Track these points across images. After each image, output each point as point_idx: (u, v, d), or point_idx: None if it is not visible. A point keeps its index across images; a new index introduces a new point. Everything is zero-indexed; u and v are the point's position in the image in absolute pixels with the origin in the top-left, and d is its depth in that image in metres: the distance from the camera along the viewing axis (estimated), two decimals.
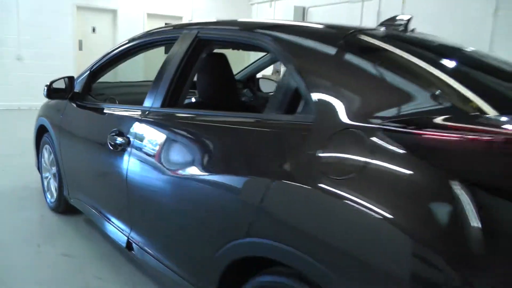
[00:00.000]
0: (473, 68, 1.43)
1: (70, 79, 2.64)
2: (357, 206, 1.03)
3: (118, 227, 2.16)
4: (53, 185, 3.13)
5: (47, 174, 3.23)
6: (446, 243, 0.92)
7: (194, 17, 11.20)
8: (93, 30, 9.73)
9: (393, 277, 0.97)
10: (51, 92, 2.59)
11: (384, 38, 1.46)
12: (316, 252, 1.11)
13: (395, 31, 1.61)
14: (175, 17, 10.97)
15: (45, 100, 3.24)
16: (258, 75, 3.58)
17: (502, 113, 1.01)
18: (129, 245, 2.07)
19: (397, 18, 1.68)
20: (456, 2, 5.68)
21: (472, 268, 0.89)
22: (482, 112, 1.02)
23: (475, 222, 0.89)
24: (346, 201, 1.06)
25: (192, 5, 11.06)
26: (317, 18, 8.08)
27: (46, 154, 3.20)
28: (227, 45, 2.26)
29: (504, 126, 0.96)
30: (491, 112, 1.02)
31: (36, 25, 8.48)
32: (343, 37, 1.41)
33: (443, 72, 1.20)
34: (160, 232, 1.87)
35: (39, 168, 3.40)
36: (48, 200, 3.25)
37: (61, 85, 2.62)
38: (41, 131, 3.22)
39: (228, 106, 1.91)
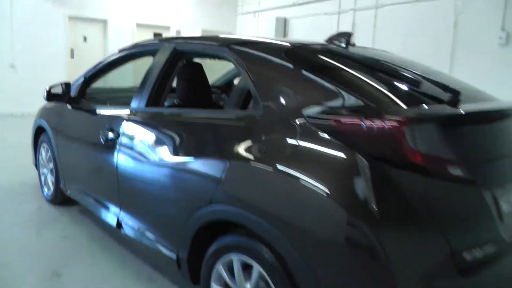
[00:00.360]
0: (382, 74, 1.83)
1: (67, 85, 3.04)
2: (290, 177, 1.45)
3: (110, 209, 2.56)
4: (50, 179, 3.50)
5: (44, 170, 3.60)
6: (354, 201, 1.30)
7: (181, 27, 11.64)
8: (84, 39, 10.10)
9: (318, 229, 1.37)
10: (50, 96, 2.99)
11: (319, 51, 1.90)
12: (262, 214, 1.51)
13: (332, 45, 2.06)
14: (163, 27, 11.40)
15: (40, 105, 3.64)
16: (235, 81, 4.01)
17: (394, 108, 1.40)
18: (119, 224, 2.47)
19: (341, 34, 2.13)
20: (422, 16, 6.15)
21: (376, 221, 1.25)
22: (381, 107, 1.42)
23: (376, 186, 1.28)
24: (282, 173, 1.48)
25: (179, 16, 11.48)
26: (298, 29, 8.57)
27: (43, 152, 3.58)
28: (198, 56, 2.65)
29: (390, 117, 1.34)
30: (388, 106, 1.42)
31: (29, 35, 8.84)
32: (284, 50, 1.85)
33: (358, 77, 1.64)
34: (144, 210, 2.28)
35: (37, 165, 3.77)
36: (45, 193, 3.62)
37: (58, 90, 3.01)
38: (38, 132, 3.60)
39: (201, 106, 2.33)
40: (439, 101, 1.47)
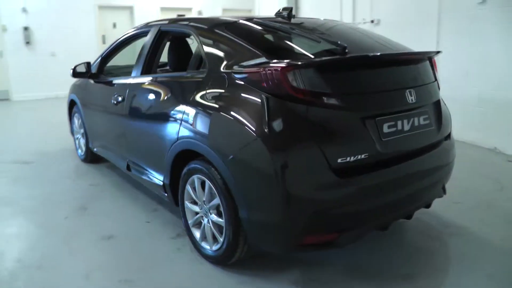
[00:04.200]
0: (293, 37, 2.32)
1: (88, 64, 3.79)
2: (221, 115, 2.07)
3: (121, 156, 3.32)
4: (82, 142, 4.33)
5: (78, 136, 4.44)
6: (258, 128, 1.85)
7: (203, 8, 12.25)
8: (114, 25, 10.99)
9: (238, 150, 1.95)
10: (75, 73, 3.74)
11: (252, 23, 2.47)
12: (206, 142, 2.14)
13: (278, 17, 2.63)
14: (185, 8, 12.06)
15: (73, 81, 4.44)
16: None
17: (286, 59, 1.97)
18: (128, 167, 3.21)
19: (284, 8, 2.69)
20: None
21: (270, 141, 1.81)
22: (277, 60, 1.99)
23: (271, 116, 1.84)
24: (217, 113, 2.10)
25: None
26: (308, 3, 8.87)
27: (76, 121, 4.41)
28: (175, 34, 3.12)
29: (276, 65, 1.89)
30: (283, 59, 1.98)
31: (65, 25, 9.83)
32: (226, 24, 2.44)
33: (271, 41, 2.23)
34: (141, 153, 3.00)
35: (72, 132, 4.63)
36: (79, 154, 4.48)
37: (81, 68, 3.76)
38: (72, 104, 4.43)
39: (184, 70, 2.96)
40: (332, 52, 2.04)
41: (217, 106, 2.12)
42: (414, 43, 5.66)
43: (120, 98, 3.14)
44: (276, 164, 1.82)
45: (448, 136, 2.50)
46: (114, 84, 3.41)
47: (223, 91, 2.14)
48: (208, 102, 2.19)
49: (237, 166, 1.97)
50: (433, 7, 5.39)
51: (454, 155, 2.56)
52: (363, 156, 1.89)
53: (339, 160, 1.84)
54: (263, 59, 2.03)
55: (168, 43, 3.09)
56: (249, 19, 2.54)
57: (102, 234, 2.77)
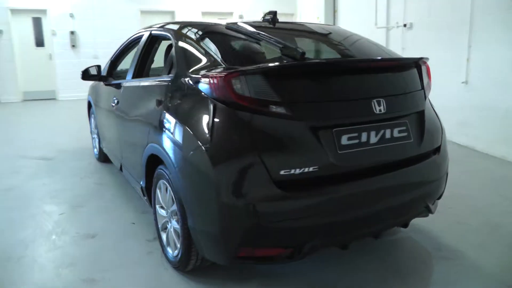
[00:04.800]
0: (258, 42, 2.22)
1: (98, 67, 3.93)
2: (178, 121, 2.02)
3: (117, 156, 3.41)
4: (97, 142, 4.51)
5: (94, 135, 4.63)
6: (201, 133, 1.83)
7: (244, 12, 12.36)
8: None
9: (187, 154, 1.92)
10: (84, 76, 3.90)
11: (220, 28, 2.42)
12: (165, 149, 2.11)
13: (263, 21, 2.58)
14: (226, 13, 12.23)
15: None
16: None
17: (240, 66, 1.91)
18: (121, 167, 3.29)
19: (269, 12, 2.63)
20: None
21: (211, 147, 1.77)
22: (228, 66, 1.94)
23: (215, 122, 1.80)
24: (175, 119, 2.05)
25: (241, 2, 12.17)
26: (346, 7, 8.63)
27: (92, 121, 4.60)
28: (161, 38, 3.08)
29: (219, 73, 1.84)
30: (235, 65, 1.93)
31: (107, 29, 10.35)
32: (197, 30, 2.40)
33: (230, 47, 2.17)
34: (127, 155, 3.06)
35: (91, 132, 4.84)
36: (95, 153, 4.67)
37: (92, 71, 3.91)
38: (89, 105, 4.63)
39: None
40: (292, 57, 1.94)
41: (174, 112, 2.11)
42: (445, 48, 5.34)
43: (116, 101, 3.22)
44: (215, 173, 1.76)
45: (437, 151, 2.28)
46: (114, 87, 3.51)
47: (181, 97, 2.13)
48: (168, 107, 2.18)
49: (184, 173, 1.93)
50: (465, 10, 5.03)
51: (443, 172, 2.34)
52: (311, 169, 1.77)
53: (281, 172, 1.73)
54: (219, 66, 1.99)
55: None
56: (213, 26, 2.48)
57: (87, 232, 2.85)
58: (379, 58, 2.27)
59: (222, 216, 1.75)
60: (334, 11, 8.87)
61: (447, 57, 5.34)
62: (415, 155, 2.12)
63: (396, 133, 2.02)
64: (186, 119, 1.98)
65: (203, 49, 2.20)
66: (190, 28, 2.49)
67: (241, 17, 12.44)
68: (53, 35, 9.95)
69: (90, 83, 4.56)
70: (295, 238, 1.81)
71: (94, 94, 4.29)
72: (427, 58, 2.29)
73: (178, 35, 2.49)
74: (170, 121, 2.11)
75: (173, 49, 2.43)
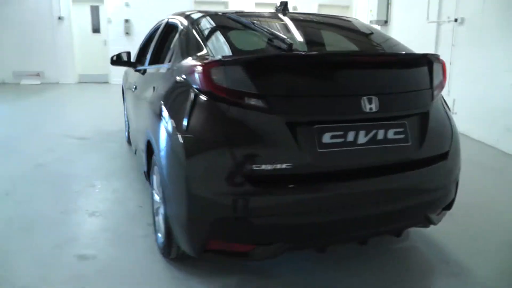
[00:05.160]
0: (252, 33, 2.17)
1: (128, 53, 4.05)
2: (165, 108, 2.01)
3: (133, 140, 3.51)
4: (127, 125, 4.69)
5: (126, 118, 4.82)
6: (179, 119, 1.81)
7: (298, 3, 12.14)
8: None
9: (168, 141, 1.92)
10: (113, 61, 4.03)
11: (215, 19, 2.36)
12: (153, 136, 2.13)
13: (276, 12, 2.51)
14: (270, 4, 12.11)
15: None
16: None
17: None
18: (135, 151, 3.38)
19: (281, 3, 2.55)
20: None
21: (185, 134, 1.74)
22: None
23: (193, 111, 1.77)
24: (163, 107, 2.03)
25: None
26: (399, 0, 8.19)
27: (124, 106, 4.79)
28: (174, 26, 3.01)
29: (199, 63, 1.82)
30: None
31: (161, 18, 10.64)
32: (196, 19, 2.37)
33: (220, 36, 2.11)
34: (135, 138, 3.11)
35: (124, 115, 5.04)
36: (126, 136, 4.86)
37: (121, 57, 4.04)
38: (122, 90, 4.82)
39: None
40: (280, 49, 1.86)
41: (163, 100, 2.11)
42: (497, 46, 4.87)
43: (134, 87, 3.31)
44: (187, 163, 1.74)
45: (443, 157, 2.08)
46: (136, 73, 3.61)
47: (170, 85, 2.12)
48: (160, 95, 2.18)
49: (164, 160, 1.93)
50: None
51: (451, 180, 2.13)
52: (284, 166, 1.68)
53: (253, 167, 1.66)
54: (207, 56, 1.95)
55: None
56: (234, 13, 2.44)
57: (95, 210, 2.97)
58: (374, 53, 2.10)
59: (191, 207, 1.73)
60: (388, 4, 8.44)
61: (499, 56, 4.87)
62: (412, 159, 1.94)
63: (390, 135, 1.86)
64: (171, 107, 1.97)
65: (198, 38, 2.18)
66: (193, 17, 2.47)
67: (294, 8, 12.24)
68: (108, 22, 10.47)
69: None
70: (266, 236, 1.74)
71: (125, 80, 4.45)
72: (437, 55, 2.08)
73: (182, 23, 2.49)
74: (159, 108, 2.12)
75: (176, 37, 2.44)
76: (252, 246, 1.75)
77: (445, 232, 2.67)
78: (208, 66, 1.74)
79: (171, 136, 1.87)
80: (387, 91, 1.90)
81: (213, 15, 2.42)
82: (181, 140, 1.78)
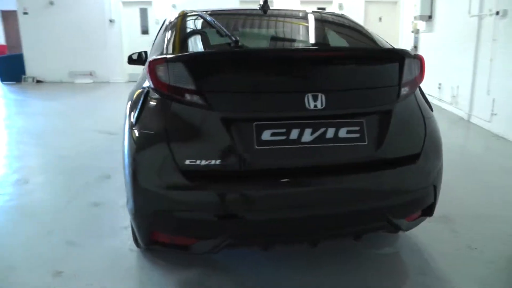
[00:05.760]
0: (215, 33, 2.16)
1: (145, 52, 4.23)
2: (128, 102, 2.12)
3: None
4: None
5: None
6: (132, 114, 1.89)
7: (344, 1, 11.87)
8: None
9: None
10: (130, 60, 4.21)
11: (188, 19, 2.42)
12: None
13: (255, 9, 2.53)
14: (326, 1, 11.91)
15: None
16: None
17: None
18: None
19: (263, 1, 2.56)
20: None
21: (133, 129, 1.81)
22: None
23: (142, 107, 1.84)
24: (128, 101, 2.15)
25: None
26: None
27: None
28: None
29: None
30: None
31: None
32: (184, 16, 2.43)
33: (189, 34, 2.15)
34: None
35: None
36: None
37: (136, 56, 4.20)
38: None
39: None
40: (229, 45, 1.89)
41: (128, 97, 2.21)
42: None
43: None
44: (132, 155, 1.81)
45: (412, 159, 1.94)
46: None
47: (140, 80, 2.20)
48: (130, 92, 2.28)
49: (122, 155, 2.02)
50: None
51: (424, 185, 1.98)
52: (218, 162, 1.69)
53: (187, 162, 1.69)
54: (166, 54, 2.03)
55: None
56: (211, 12, 2.49)
57: (96, 200, 3.15)
58: (325, 48, 2.03)
59: (135, 198, 1.80)
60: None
61: None
62: (369, 160, 1.85)
63: (343, 133, 1.79)
64: (130, 105, 2.06)
65: (163, 39, 2.27)
66: (171, 18, 2.56)
67: (341, 6, 11.99)
68: (156, 24, 10.95)
69: None
70: (204, 230, 1.76)
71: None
72: (407, 51, 1.95)
73: (170, 22, 2.57)
74: (126, 106, 2.22)
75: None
76: (193, 240, 1.78)
77: (436, 241, 2.51)
78: (154, 63, 1.80)
79: (125, 131, 1.96)
80: (338, 87, 1.82)
81: (186, 16, 2.48)
82: (130, 135, 1.86)
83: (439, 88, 7.37)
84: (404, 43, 10.02)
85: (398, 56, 1.97)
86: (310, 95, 1.74)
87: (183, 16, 2.47)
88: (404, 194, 1.95)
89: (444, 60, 7.25)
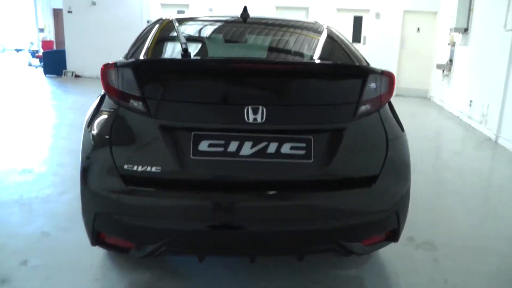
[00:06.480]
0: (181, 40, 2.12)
1: None
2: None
3: None
4: None
5: None
6: (89, 119, 1.93)
7: (381, 9, 11.55)
8: None
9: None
10: None
11: (167, 26, 2.44)
12: None
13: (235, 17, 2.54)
14: (362, 10, 11.66)
15: None
16: None
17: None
18: None
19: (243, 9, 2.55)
20: None
21: (88, 132, 1.84)
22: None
23: (95, 111, 1.89)
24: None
25: None
26: (480, 3, 7.31)
27: None
28: None
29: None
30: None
31: None
32: (170, 21, 2.47)
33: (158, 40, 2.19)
34: None
35: None
36: None
37: None
38: None
39: None
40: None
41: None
42: None
43: None
44: (81, 155, 1.85)
45: (368, 181, 1.82)
46: None
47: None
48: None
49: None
50: None
51: (380, 209, 1.87)
52: (153, 169, 1.69)
53: (125, 166, 1.71)
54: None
55: None
56: (189, 19, 2.51)
57: None
58: (272, 61, 2.01)
59: (82, 199, 1.85)
60: (470, 10, 7.58)
61: None
62: (314, 179, 1.77)
63: (286, 149, 1.72)
64: (95, 103, 2.11)
65: (134, 44, 2.33)
66: (153, 22, 2.60)
67: (377, 15, 11.69)
68: None
69: None
70: (140, 236, 1.77)
71: None
72: (373, 67, 1.85)
73: (146, 27, 2.62)
74: None
75: None
76: (131, 243, 1.79)
77: (410, 270, 2.35)
78: (106, 68, 1.83)
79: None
80: (281, 102, 1.76)
81: (158, 22, 2.51)
82: (83, 135, 1.91)
83: (470, 105, 6.99)
84: (440, 56, 9.60)
85: (360, 72, 1.89)
86: (250, 107, 1.69)
87: (155, 22, 2.51)
88: (356, 217, 1.85)
89: (477, 76, 6.87)
